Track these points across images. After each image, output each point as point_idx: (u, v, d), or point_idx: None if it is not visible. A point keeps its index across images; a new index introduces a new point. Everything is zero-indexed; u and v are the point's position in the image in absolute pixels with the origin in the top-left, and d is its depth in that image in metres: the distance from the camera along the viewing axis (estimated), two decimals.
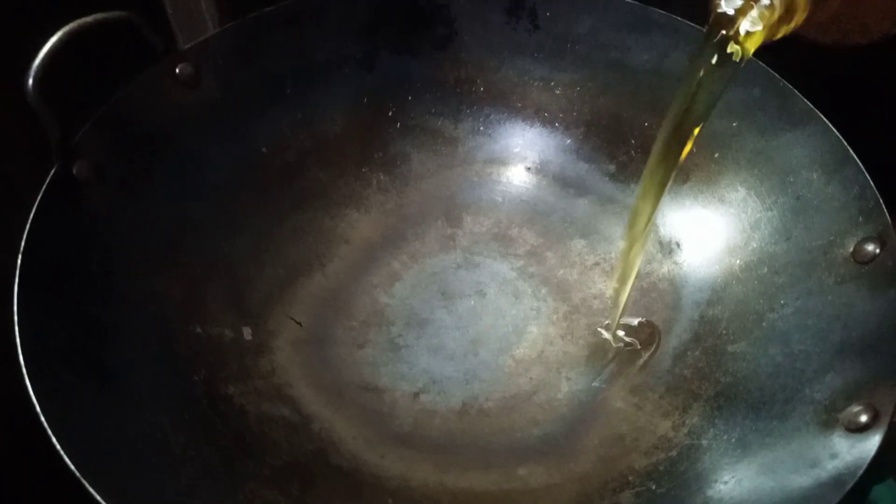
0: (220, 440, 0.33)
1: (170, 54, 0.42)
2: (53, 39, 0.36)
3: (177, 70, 0.42)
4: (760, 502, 0.29)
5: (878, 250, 0.34)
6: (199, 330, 0.38)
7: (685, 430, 0.35)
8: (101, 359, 0.32)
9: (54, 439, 0.27)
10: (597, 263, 0.45)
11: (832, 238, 0.37)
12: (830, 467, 0.28)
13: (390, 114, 0.48)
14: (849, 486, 0.27)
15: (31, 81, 0.35)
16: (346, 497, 0.33)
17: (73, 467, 0.26)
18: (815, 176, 0.38)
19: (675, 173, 0.34)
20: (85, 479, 0.26)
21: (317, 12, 0.45)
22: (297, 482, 0.32)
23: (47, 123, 0.36)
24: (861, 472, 0.27)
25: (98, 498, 0.26)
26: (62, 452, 0.26)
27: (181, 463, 0.31)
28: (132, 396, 0.32)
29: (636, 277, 0.38)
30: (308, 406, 0.38)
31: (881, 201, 0.35)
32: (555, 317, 0.42)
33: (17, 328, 0.30)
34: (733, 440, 0.33)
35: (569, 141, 0.47)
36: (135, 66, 0.41)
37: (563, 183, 0.47)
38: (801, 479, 0.29)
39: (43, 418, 0.27)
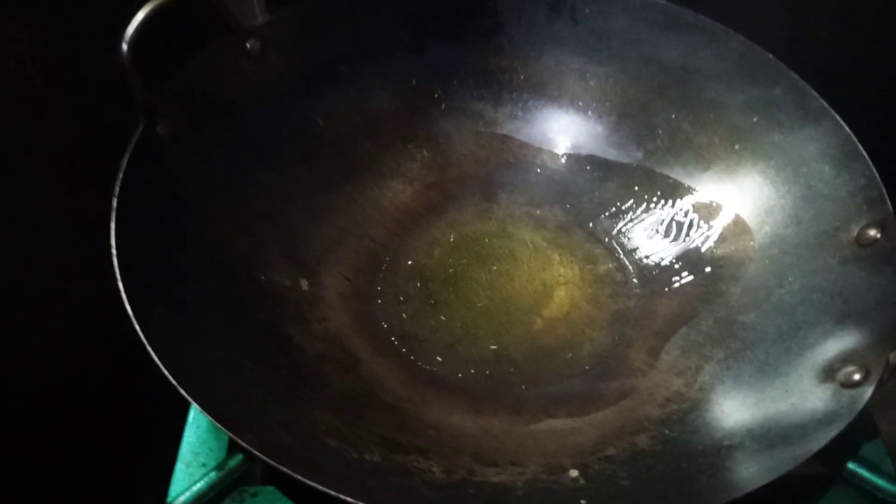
0: (282, 370, 0.37)
1: (241, 30, 0.46)
2: (145, 10, 0.40)
3: (247, 45, 0.46)
4: (760, 443, 0.33)
5: (878, 235, 0.38)
6: (262, 277, 0.42)
7: (697, 387, 0.39)
8: (182, 297, 0.36)
9: (154, 355, 0.31)
10: (621, 242, 0.48)
11: (838, 224, 0.40)
12: (824, 415, 0.32)
13: (436, 96, 0.52)
14: (839, 429, 0.31)
15: (124, 47, 0.39)
16: (393, 427, 0.37)
17: (169, 376, 0.30)
18: (826, 168, 0.42)
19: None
20: (180, 385, 0.30)
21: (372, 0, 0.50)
22: (350, 411, 0.36)
23: (135, 86, 0.40)
24: (852, 418, 0.31)
25: (192, 401, 0.30)
26: (166, 372, 0.30)
27: (251, 384, 0.35)
28: (208, 328, 0.36)
29: (657, 254, 0.42)
30: (356, 350, 0.42)
31: (884, 192, 0.39)
32: (581, 283, 0.46)
33: (116, 267, 0.34)
34: (739, 395, 0.37)
35: (600, 128, 0.51)
36: (211, 40, 0.45)
37: (594, 166, 0.51)
38: (799, 425, 0.33)
39: (143, 338, 0.32)
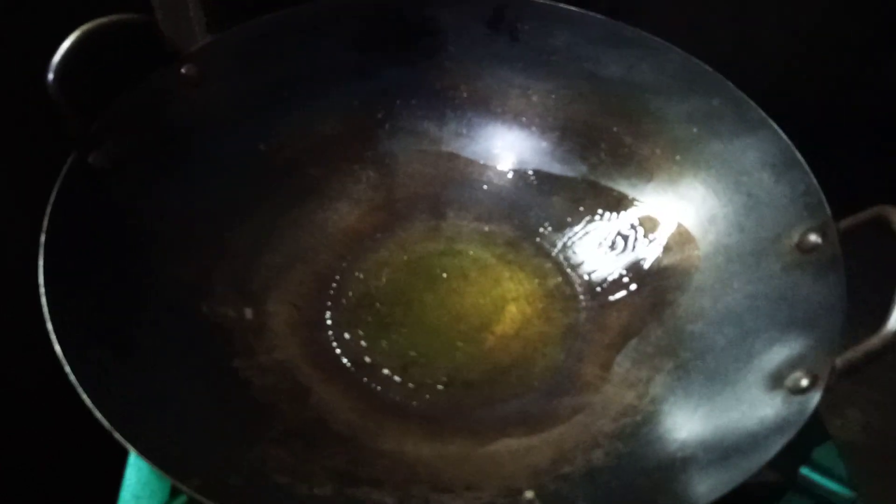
0: (231, 406, 0.36)
1: (178, 55, 0.45)
2: (72, 38, 0.39)
3: (183, 70, 0.45)
4: (714, 454, 0.33)
5: (820, 241, 0.39)
6: (205, 309, 0.41)
7: (648, 399, 0.39)
8: (119, 334, 0.35)
9: (92, 406, 0.29)
10: (568, 256, 0.49)
11: (780, 230, 0.41)
12: (775, 422, 0.32)
13: (380, 116, 0.52)
14: (790, 436, 0.31)
15: (51, 76, 0.38)
16: (346, 458, 0.36)
17: (105, 422, 0.29)
18: (765, 176, 0.43)
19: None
20: (116, 430, 0.29)
21: (313, 22, 0.49)
22: (301, 444, 0.35)
23: (66, 115, 0.39)
24: (803, 424, 0.31)
25: (133, 450, 0.29)
26: (101, 418, 0.29)
27: (195, 423, 0.34)
28: (148, 366, 0.35)
29: (604, 267, 0.42)
30: (306, 380, 0.41)
31: (823, 198, 0.40)
32: (532, 298, 0.46)
33: (47, 310, 0.33)
34: (690, 405, 0.37)
35: (544, 144, 0.52)
36: (144, 66, 0.44)
37: (540, 181, 0.51)
38: (751, 433, 0.33)
39: (76, 384, 0.30)
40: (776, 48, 0.55)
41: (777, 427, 0.32)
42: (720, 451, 0.33)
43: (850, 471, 0.38)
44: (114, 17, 0.41)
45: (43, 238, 0.35)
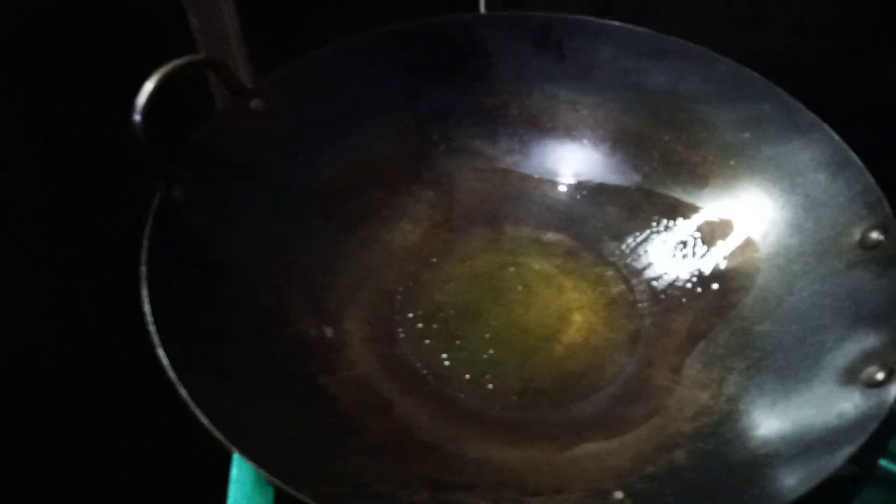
0: (324, 421, 0.38)
1: (245, 90, 0.47)
2: (153, 79, 0.41)
3: (251, 105, 0.47)
4: (796, 449, 0.34)
5: (882, 237, 0.40)
6: (289, 330, 0.42)
7: (723, 399, 0.40)
8: (218, 358, 0.37)
9: (210, 426, 0.31)
10: (628, 264, 0.50)
11: (840, 229, 0.42)
12: (854, 416, 0.34)
13: (434, 137, 0.53)
14: (871, 429, 0.32)
15: (137, 117, 0.40)
16: (435, 466, 0.37)
17: (229, 444, 0.31)
18: (821, 177, 0.44)
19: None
20: (237, 448, 0.31)
21: (367, 52, 0.51)
22: (393, 454, 0.37)
23: (151, 154, 0.41)
24: (883, 416, 0.33)
25: (252, 462, 0.30)
26: (221, 437, 0.31)
27: (295, 438, 0.36)
28: (247, 387, 0.37)
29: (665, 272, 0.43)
30: (387, 393, 0.42)
31: (882, 196, 0.41)
32: (596, 307, 0.48)
33: (156, 338, 0.35)
34: (767, 403, 0.38)
35: (597, 156, 0.53)
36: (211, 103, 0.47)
37: (594, 192, 0.53)
38: (831, 428, 0.34)
39: (193, 405, 0.32)
40: (830, 52, 0.56)
41: (857, 421, 0.33)
42: (802, 445, 0.34)
43: None
44: (187, 58, 0.43)
45: (143, 270, 0.37)
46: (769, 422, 0.37)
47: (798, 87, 0.46)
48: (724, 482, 0.34)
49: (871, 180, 0.42)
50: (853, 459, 0.35)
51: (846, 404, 0.34)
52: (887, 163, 0.42)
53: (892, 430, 0.38)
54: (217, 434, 0.31)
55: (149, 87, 0.41)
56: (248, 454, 0.30)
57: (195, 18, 0.58)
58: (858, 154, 0.43)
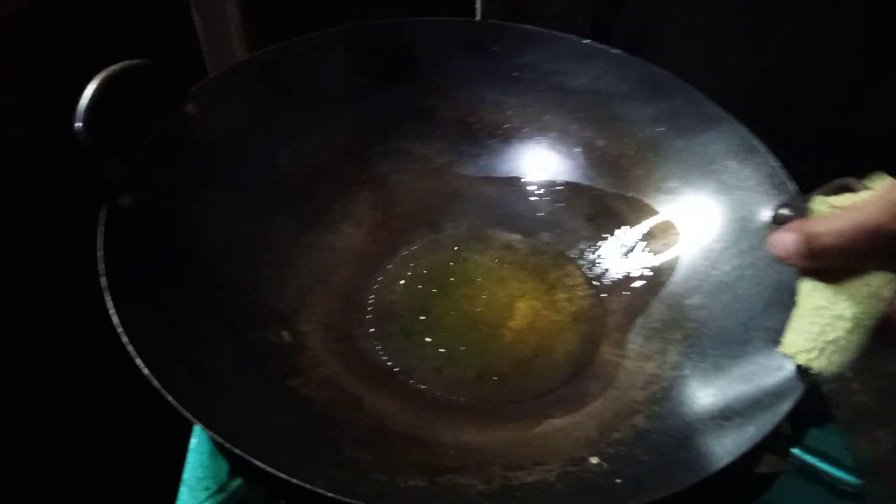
0: (304, 419, 0.38)
1: (186, 93, 0.47)
2: (93, 84, 0.40)
3: (190, 108, 0.47)
4: (749, 401, 0.38)
5: (791, 213, 0.45)
6: (255, 335, 0.42)
7: (668, 367, 0.44)
8: (196, 359, 0.37)
9: (193, 419, 0.31)
10: (562, 251, 0.53)
11: (753, 208, 0.47)
12: (791, 371, 0.38)
13: (370, 138, 0.55)
14: (809, 381, 0.37)
15: (79, 125, 0.39)
16: (419, 452, 0.39)
17: (220, 439, 0.31)
18: (732, 163, 0.49)
19: None
20: (234, 446, 0.31)
21: (303, 55, 0.52)
22: (380, 445, 0.38)
23: (101, 159, 0.40)
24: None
25: (252, 460, 0.31)
26: (214, 435, 0.31)
27: (286, 435, 0.36)
28: (227, 387, 0.37)
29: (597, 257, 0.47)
30: (355, 390, 0.43)
31: (788, 176, 0.46)
32: (537, 293, 0.50)
33: (127, 339, 0.34)
34: (710, 365, 0.42)
35: (525, 153, 0.56)
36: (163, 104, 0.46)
37: (523, 187, 0.56)
38: (770, 380, 0.38)
39: (179, 406, 0.32)
40: (779, 75, 0.61)
41: (795, 375, 0.37)
42: (751, 399, 0.38)
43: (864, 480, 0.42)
44: (125, 64, 0.43)
45: (104, 280, 0.36)
46: (717, 381, 0.41)
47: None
48: (687, 438, 0.38)
49: (777, 164, 0.47)
50: (781, 454, 0.40)
51: (783, 359, 0.39)
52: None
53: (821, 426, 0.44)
54: (217, 434, 0.30)
55: (89, 91, 0.40)
56: (249, 452, 0.30)
57: (199, 18, 0.57)
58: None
